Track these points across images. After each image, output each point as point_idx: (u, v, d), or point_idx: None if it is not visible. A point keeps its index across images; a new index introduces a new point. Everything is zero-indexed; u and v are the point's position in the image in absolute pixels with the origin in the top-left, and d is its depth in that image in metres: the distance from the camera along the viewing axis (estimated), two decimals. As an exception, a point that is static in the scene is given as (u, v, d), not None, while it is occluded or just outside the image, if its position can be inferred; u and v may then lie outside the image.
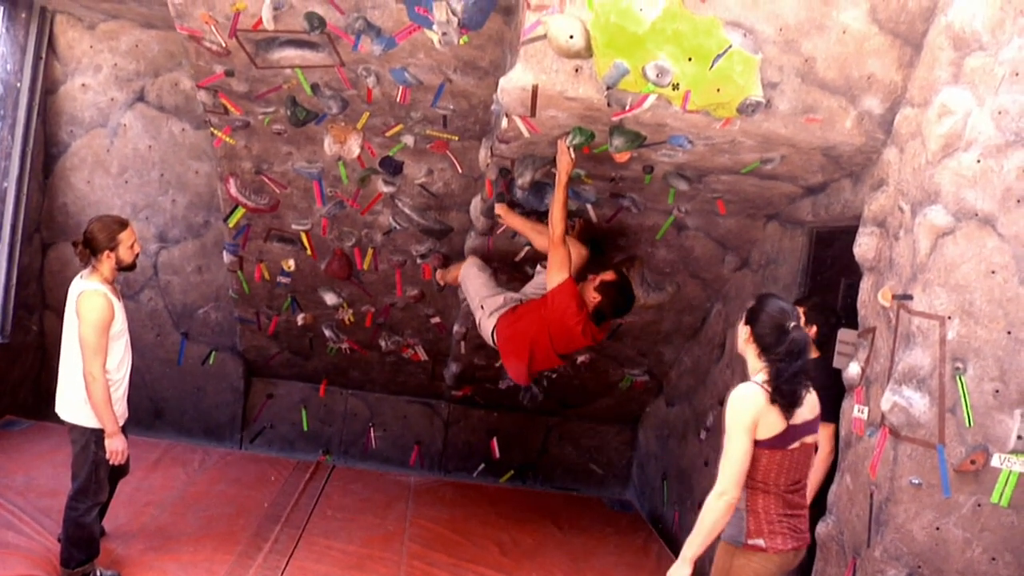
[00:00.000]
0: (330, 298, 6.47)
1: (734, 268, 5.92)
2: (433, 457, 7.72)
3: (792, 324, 3.34)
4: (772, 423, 3.27)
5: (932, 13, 3.84)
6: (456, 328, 6.57)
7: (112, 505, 4.73)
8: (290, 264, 6.23)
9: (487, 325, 5.24)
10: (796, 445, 3.35)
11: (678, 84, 3.80)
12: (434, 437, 7.71)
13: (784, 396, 3.28)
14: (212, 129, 5.32)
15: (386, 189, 5.62)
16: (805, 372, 3.33)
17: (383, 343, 6.93)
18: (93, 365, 4.13)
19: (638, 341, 6.58)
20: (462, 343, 6.64)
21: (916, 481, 3.57)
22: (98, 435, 4.25)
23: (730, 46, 3.78)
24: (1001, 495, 3.43)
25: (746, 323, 3.46)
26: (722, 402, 5.91)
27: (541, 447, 7.78)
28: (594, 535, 6.28)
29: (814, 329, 4.48)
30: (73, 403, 4.28)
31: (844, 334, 4.68)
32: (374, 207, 5.79)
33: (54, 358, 6.99)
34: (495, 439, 7.65)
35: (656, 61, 3.76)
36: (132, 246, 4.30)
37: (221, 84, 4.93)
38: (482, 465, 7.70)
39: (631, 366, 6.95)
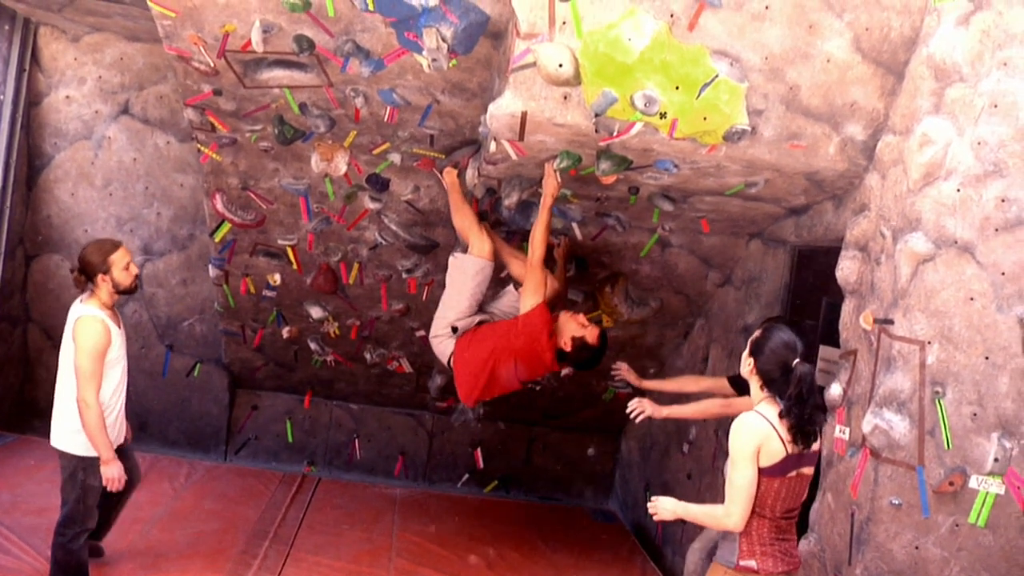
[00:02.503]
0: (315, 311, 6.49)
1: (717, 284, 6.00)
2: (417, 468, 7.74)
3: (796, 360, 3.32)
4: (774, 451, 3.29)
5: (914, 43, 3.92)
6: (441, 341, 6.60)
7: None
8: (276, 278, 6.24)
9: (447, 345, 5.10)
10: (794, 474, 3.35)
11: (665, 113, 3.87)
12: (418, 448, 7.73)
13: (805, 436, 3.32)
14: (199, 146, 5.33)
15: (372, 205, 5.65)
16: (820, 408, 3.38)
17: (368, 356, 6.95)
18: (87, 392, 4.06)
19: (621, 354, 6.61)
20: (447, 356, 6.68)
21: (896, 501, 3.65)
22: (86, 463, 4.18)
23: (717, 75, 3.85)
24: (978, 515, 3.51)
25: (750, 354, 3.44)
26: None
27: (525, 457, 7.83)
28: (579, 548, 6.33)
29: None
30: (62, 429, 4.22)
31: (825, 351, 4.77)
32: (360, 223, 5.81)
33: (38, 371, 7.03)
34: (479, 449, 7.69)
35: (644, 90, 3.82)
36: (127, 267, 4.22)
37: (209, 102, 4.94)
38: (466, 475, 7.74)
39: (614, 378, 6.99)
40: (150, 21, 4.98)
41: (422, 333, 6.71)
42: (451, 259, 5.23)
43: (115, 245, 4.24)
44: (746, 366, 3.46)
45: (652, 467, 6.99)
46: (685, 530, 6.06)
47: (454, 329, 5.05)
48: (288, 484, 6.59)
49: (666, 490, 6.54)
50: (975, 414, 3.51)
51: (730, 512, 3.33)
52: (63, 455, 4.22)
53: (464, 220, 5.21)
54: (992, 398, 3.49)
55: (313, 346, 6.88)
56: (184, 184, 6.84)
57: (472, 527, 6.37)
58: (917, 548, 3.61)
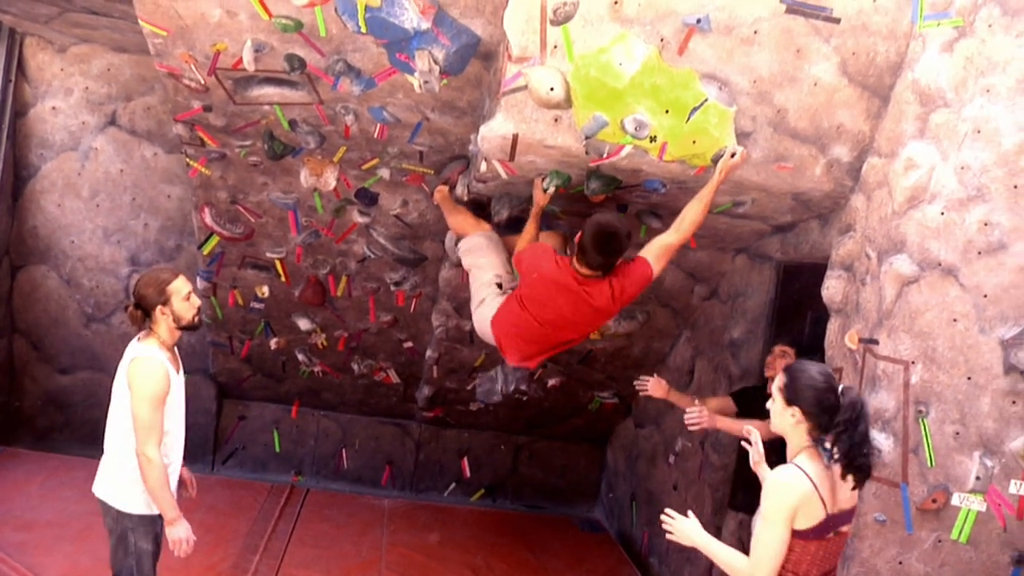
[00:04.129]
0: (303, 323, 6.50)
1: (703, 298, 6.05)
2: (405, 477, 7.76)
3: (842, 387, 3.01)
4: (813, 513, 2.93)
5: (899, 68, 3.99)
6: (429, 353, 6.64)
7: (90, 538, 4.67)
8: (264, 290, 6.25)
9: (490, 309, 4.62)
10: (832, 535, 3.01)
11: (655, 136, 3.91)
12: (405, 457, 7.75)
13: (859, 470, 2.94)
14: (188, 160, 5.34)
15: (361, 219, 5.67)
16: (868, 437, 2.98)
17: (356, 366, 6.97)
18: (146, 445, 3.53)
19: (608, 366, 6.68)
20: (434, 367, 6.71)
21: (881, 518, 3.71)
22: (136, 523, 3.67)
23: (706, 99, 3.89)
24: (960, 532, 3.59)
25: (789, 404, 3.01)
26: (691, 428, 6.04)
27: (511, 466, 7.87)
28: (566, 558, 6.37)
29: None
30: (110, 481, 3.70)
31: (810, 366, 4.83)
32: (349, 236, 5.83)
33: (24, 381, 7.00)
34: (465, 458, 7.73)
35: (635, 115, 3.87)
36: (188, 297, 3.71)
37: (198, 118, 4.95)
38: (453, 484, 7.77)
39: (600, 389, 7.06)
40: (138, 33, 4.97)
41: (410, 344, 6.75)
42: (459, 251, 5.06)
43: (173, 274, 3.74)
44: (789, 417, 3.02)
45: (638, 477, 7.04)
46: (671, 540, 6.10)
47: (499, 285, 4.71)
48: (277, 495, 6.59)
49: (653, 500, 6.59)
50: (958, 433, 3.58)
51: (754, 574, 2.97)
52: (108, 510, 3.71)
53: (458, 219, 5.10)
54: (974, 418, 3.56)
55: (301, 357, 6.89)
56: (171, 195, 6.82)
57: (460, 538, 6.40)
58: (901, 563, 3.68)
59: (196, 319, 3.76)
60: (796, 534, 2.93)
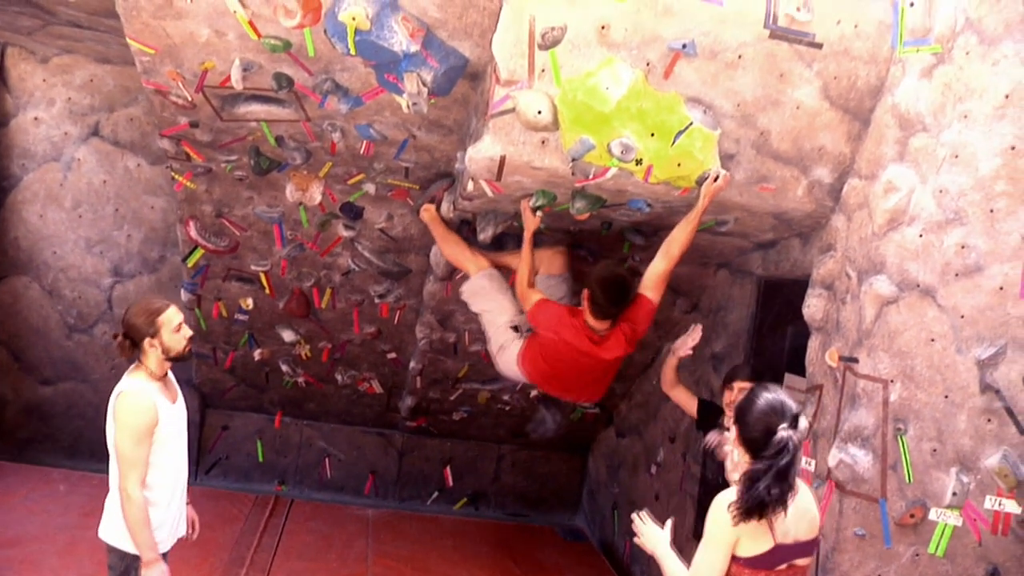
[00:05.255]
0: (287, 335, 6.51)
1: (685, 311, 6.12)
2: (388, 486, 7.79)
3: (783, 425, 2.79)
4: (758, 540, 2.81)
5: (880, 92, 4.05)
6: (412, 364, 6.67)
7: (76, 553, 4.64)
8: (248, 302, 6.25)
9: (512, 353, 4.95)
10: (784, 567, 2.87)
11: (641, 159, 3.97)
12: (388, 466, 7.78)
13: (756, 508, 2.73)
14: (173, 174, 5.34)
15: (346, 233, 5.69)
16: (785, 478, 2.75)
17: (339, 377, 6.98)
18: (127, 480, 3.44)
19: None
20: (418, 378, 6.74)
21: (860, 532, 3.78)
22: (140, 563, 3.56)
23: (691, 123, 3.95)
24: (937, 546, 3.64)
25: (734, 421, 2.95)
26: (673, 439, 6.11)
27: (494, 474, 7.91)
28: (548, 567, 6.42)
29: None
30: (110, 521, 3.62)
31: (790, 380, 4.91)
32: (334, 250, 5.85)
33: (5, 392, 6.96)
34: (448, 467, 7.77)
35: (621, 139, 3.92)
36: (178, 328, 3.60)
37: (185, 134, 4.96)
38: (436, 493, 7.80)
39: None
40: (122, 45, 4.96)
41: (393, 355, 6.77)
42: (463, 295, 5.34)
43: (164, 304, 3.65)
44: (731, 437, 2.97)
45: (620, 486, 7.10)
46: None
47: (515, 328, 5.01)
48: (261, 506, 6.58)
49: (634, 509, 6.63)
50: (935, 450, 3.64)
51: None
52: (112, 550, 3.63)
53: (454, 249, 5.27)
54: (951, 435, 3.62)
55: (284, 367, 6.90)
56: (155, 207, 6.82)
57: (444, 548, 6.44)
58: (880, 577, 3.76)
59: (187, 350, 3.65)
60: (741, 561, 2.84)
